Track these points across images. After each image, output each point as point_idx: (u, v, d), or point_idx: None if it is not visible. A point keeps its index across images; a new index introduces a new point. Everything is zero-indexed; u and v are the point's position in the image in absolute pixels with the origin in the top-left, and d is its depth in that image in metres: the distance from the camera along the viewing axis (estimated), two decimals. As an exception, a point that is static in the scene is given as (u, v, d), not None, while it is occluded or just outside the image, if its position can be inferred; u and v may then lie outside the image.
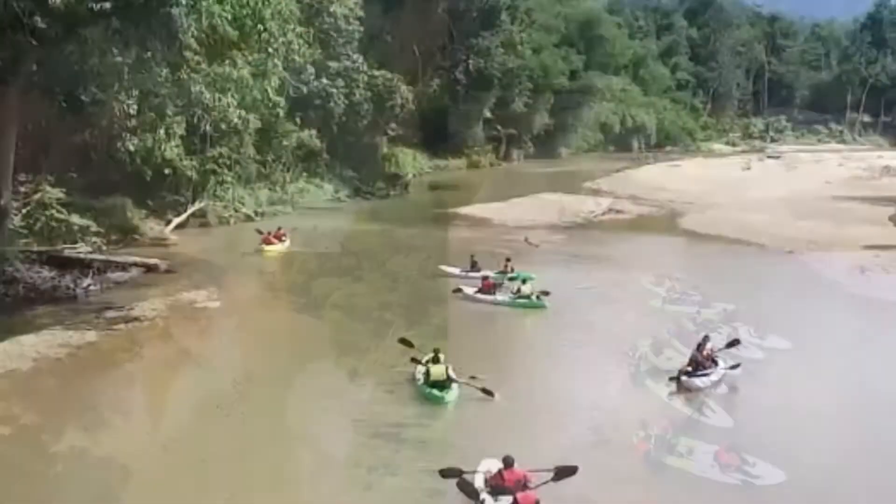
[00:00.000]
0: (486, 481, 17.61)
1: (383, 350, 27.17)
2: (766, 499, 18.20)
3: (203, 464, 19.89)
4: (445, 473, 17.16)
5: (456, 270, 38.92)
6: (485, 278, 35.81)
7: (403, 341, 25.94)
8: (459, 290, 35.31)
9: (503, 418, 22.37)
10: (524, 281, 34.67)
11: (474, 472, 17.25)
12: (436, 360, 24.00)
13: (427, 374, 23.70)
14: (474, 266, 38.59)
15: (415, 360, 24.50)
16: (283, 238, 45.24)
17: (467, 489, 17.33)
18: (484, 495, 17.23)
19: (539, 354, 29.72)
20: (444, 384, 23.48)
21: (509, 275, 37.41)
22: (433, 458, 18.97)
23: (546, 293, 33.74)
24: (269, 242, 43.81)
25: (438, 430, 22.13)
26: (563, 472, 16.96)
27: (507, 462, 17.44)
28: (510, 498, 16.71)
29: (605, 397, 23.84)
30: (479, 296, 34.59)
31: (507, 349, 30.33)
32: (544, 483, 16.91)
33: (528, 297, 33.73)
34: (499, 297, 34.45)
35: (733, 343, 25.35)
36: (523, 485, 17.11)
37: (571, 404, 23.82)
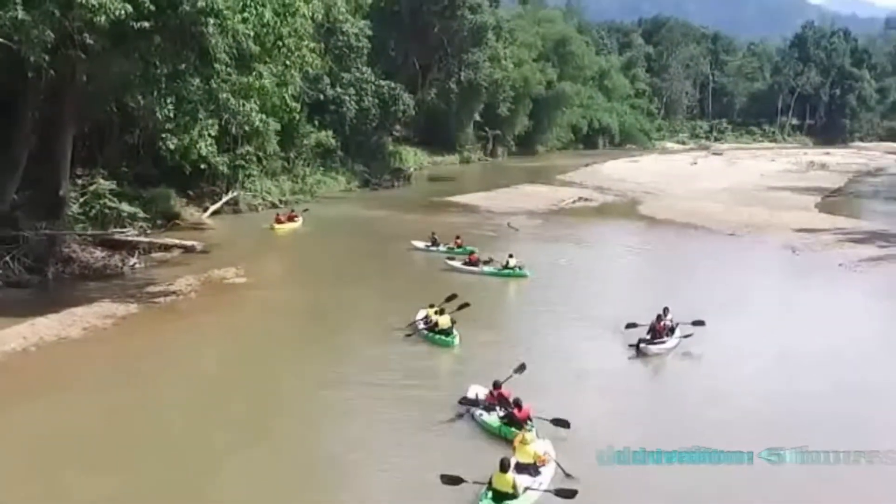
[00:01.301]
0: (479, 399, 19.20)
1: (391, 312, 27.83)
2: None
3: (250, 395, 20.79)
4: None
5: (421, 244, 40.37)
6: (471, 253, 36.73)
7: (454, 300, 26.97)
8: (450, 260, 36.41)
9: (495, 356, 23.20)
10: (502, 259, 35.28)
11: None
12: (440, 313, 25.09)
13: (435, 324, 24.76)
14: (435, 242, 40.16)
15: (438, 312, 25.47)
16: (296, 219, 46.87)
17: (468, 402, 19.10)
18: (481, 410, 18.82)
19: (524, 312, 31.29)
20: (448, 331, 24.63)
21: (457, 249, 38.77)
22: (441, 382, 22.40)
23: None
24: (280, 222, 45.14)
25: (446, 361, 24.31)
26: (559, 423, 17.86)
27: (496, 384, 19.12)
28: (503, 410, 18.42)
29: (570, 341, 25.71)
30: (465, 267, 35.48)
31: (494, 307, 31.45)
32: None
33: (512, 268, 34.35)
34: (484, 268, 34.93)
35: (698, 323, 24.72)
36: (511, 402, 18.37)
37: (548, 351, 24.70)
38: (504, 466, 14.90)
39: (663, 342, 24.19)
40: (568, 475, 15.87)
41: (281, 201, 52.12)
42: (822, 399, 21.10)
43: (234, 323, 28.10)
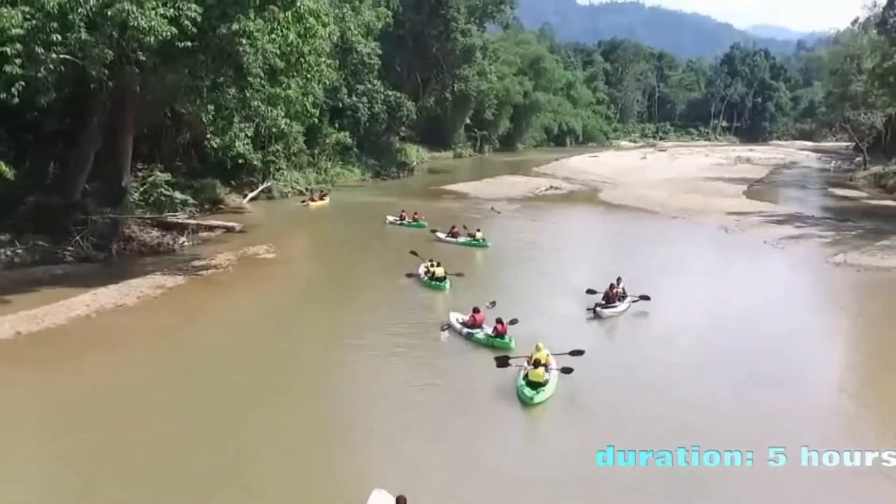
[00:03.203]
0: (461, 322, 21.62)
1: (394, 270, 29.07)
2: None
3: (276, 347, 20.67)
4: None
5: (392, 218, 41.85)
6: (453, 227, 36.98)
7: (413, 252, 29.66)
8: (434, 232, 37.22)
9: (473, 297, 23.86)
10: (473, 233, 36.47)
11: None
12: (437, 265, 27.47)
13: (433, 273, 27.13)
14: (403, 218, 41.41)
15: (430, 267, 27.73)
16: (325, 197, 49.44)
17: (448, 324, 21.92)
18: (468, 330, 21.19)
19: (496, 271, 32.27)
20: (442, 279, 26.96)
21: (414, 223, 40.58)
22: (437, 313, 23.95)
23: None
24: (313, 200, 48.24)
25: (440, 300, 25.84)
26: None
27: (475, 310, 21.52)
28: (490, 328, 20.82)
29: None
30: (447, 238, 36.17)
31: (469, 264, 31.34)
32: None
33: (478, 240, 35.52)
34: (459, 239, 35.87)
35: (644, 297, 24.42)
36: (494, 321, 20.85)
37: (515, 297, 25.40)
38: (537, 364, 17.28)
39: (615, 307, 24.02)
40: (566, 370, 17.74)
41: (308, 189, 52.02)
42: (742, 341, 22.03)
43: (264, 291, 27.72)
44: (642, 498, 13.18)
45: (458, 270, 27.98)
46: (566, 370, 17.62)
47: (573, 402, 17.42)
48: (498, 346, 19.92)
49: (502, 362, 17.85)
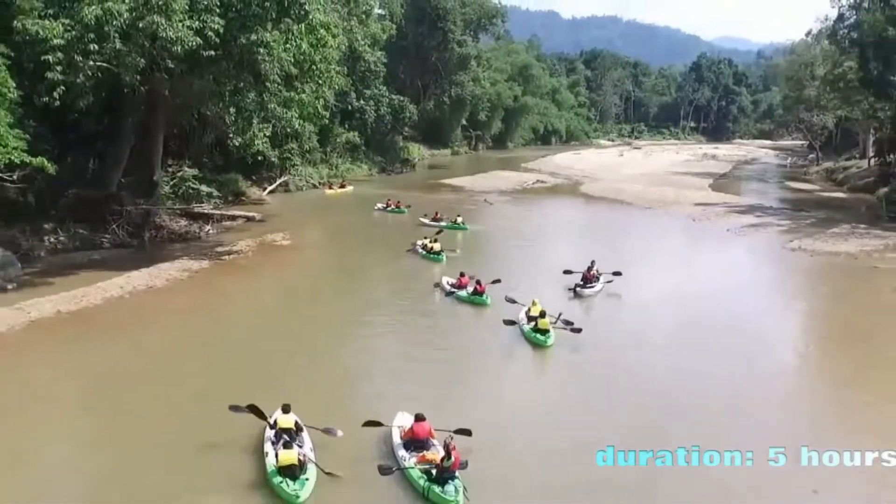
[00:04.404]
0: (450, 284, 23.39)
1: (395, 249, 30.41)
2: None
3: (292, 320, 20.82)
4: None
5: (380, 205, 42.84)
6: (436, 213, 37.71)
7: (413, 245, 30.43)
8: (437, 217, 37.20)
9: (462, 266, 25.38)
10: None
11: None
12: (435, 241, 29.28)
13: (431, 248, 28.96)
14: (388, 205, 42.49)
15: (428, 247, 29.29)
16: (346, 186, 51.79)
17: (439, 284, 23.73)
18: (455, 290, 22.98)
19: (483, 249, 33.58)
20: (438, 252, 28.71)
21: (396, 209, 41.99)
22: (434, 278, 25.30)
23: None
24: (330, 188, 50.66)
25: (437, 269, 26.82)
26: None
27: (462, 274, 23.33)
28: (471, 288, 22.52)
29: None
30: (430, 222, 36.45)
31: (463, 245, 31.94)
32: None
33: (458, 224, 36.18)
34: (441, 223, 35.93)
35: (616, 273, 24.47)
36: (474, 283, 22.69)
37: (499, 271, 25.67)
38: (542, 315, 18.62)
39: (593, 286, 23.90)
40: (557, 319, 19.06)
41: (321, 183, 52.12)
42: (708, 315, 22.21)
43: (280, 274, 27.58)
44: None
45: (451, 248, 29.77)
46: (575, 330, 18.83)
47: (569, 347, 18.45)
48: (476, 303, 22.11)
49: (510, 322, 19.34)
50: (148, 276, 23.89)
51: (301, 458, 11.58)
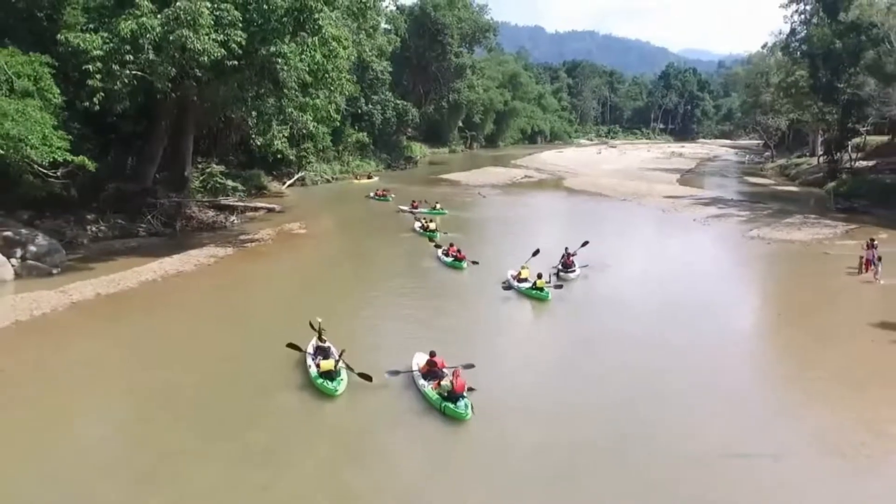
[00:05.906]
0: (443, 251, 25.39)
1: (395, 233, 31.49)
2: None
3: (310, 299, 19.47)
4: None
5: (372, 194, 43.47)
6: (413, 201, 38.20)
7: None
8: (415, 205, 37.69)
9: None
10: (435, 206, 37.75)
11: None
12: (431, 221, 31.19)
13: (427, 227, 30.66)
14: (377, 195, 43.21)
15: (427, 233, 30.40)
16: (372, 177, 54.20)
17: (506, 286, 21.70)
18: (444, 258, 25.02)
19: (470, 231, 33.32)
20: (434, 231, 30.14)
21: (381, 197, 42.73)
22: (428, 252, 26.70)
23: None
24: (357, 178, 53.03)
25: (432, 244, 27.72)
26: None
27: (451, 244, 25.57)
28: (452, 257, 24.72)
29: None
30: (408, 210, 36.98)
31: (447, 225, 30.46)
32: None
33: (438, 209, 36.79)
34: (420, 209, 36.65)
35: (584, 243, 24.33)
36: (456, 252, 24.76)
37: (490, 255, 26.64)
38: (539, 276, 20.13)
39: (573, 271, 23.44)
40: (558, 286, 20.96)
41: (333, 178, 51.84)
42: (677, 295, 21.84)
43: (297, 259, 27.10)
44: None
45: (444, 230, 31.00)
46: (558, 286, 20.81)
47: (564, 301, 20.30)
48: (455, 266, 24.21)
49: (507, 286, 20.88)
50: (178, 262, 23.49)
51: (337, 365, 13.47)
